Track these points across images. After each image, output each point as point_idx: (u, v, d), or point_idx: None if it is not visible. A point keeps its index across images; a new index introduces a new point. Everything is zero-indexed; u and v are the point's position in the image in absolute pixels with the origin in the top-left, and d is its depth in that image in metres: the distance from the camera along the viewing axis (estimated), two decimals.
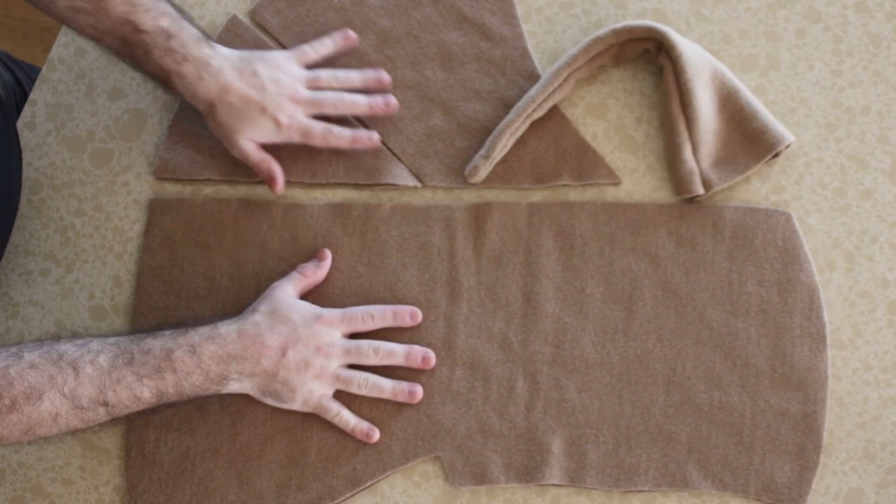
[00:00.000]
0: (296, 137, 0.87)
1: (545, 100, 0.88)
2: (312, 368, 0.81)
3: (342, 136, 0.88)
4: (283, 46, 0.94)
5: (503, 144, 0.88)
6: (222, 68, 0.84)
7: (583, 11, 0.93)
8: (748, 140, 0.86)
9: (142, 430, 0.85)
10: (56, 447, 0.87)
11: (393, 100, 0.89)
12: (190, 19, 0.85)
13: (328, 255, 0.87)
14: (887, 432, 0.81)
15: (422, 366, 0.84)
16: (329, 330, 0.82)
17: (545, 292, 0.86)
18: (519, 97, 0.90)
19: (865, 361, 0.83)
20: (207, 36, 0.86)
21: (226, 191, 0.92)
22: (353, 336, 0.84)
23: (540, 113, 0.88)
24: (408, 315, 0.85)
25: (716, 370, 0.83)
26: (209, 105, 0.85)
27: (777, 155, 0.86)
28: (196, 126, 0.92)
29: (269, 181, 0.88)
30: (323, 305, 0.85)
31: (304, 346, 0.81)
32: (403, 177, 0.91)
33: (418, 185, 0.90)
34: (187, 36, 0.84)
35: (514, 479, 0.82)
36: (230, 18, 0.95)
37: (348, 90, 0.89)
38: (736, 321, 0.84)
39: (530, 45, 0.93)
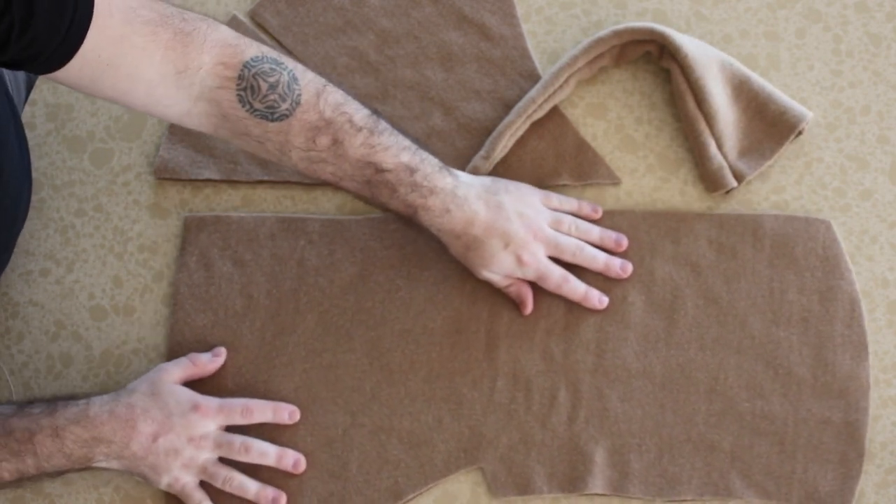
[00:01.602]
0: (531, 276, 0.83)
1: (546, 100, 0.88)
2: (181, 458, 0.80)
3: (576, 290, 0.84)
4: (283, 46, 0.94)
5: (503, 145, 0.88)
6: (467, 197, 0.81)
7: (583, 11, 0.93)
8: (769, 124, 0.86)
9: None
10: None
11: (629, 266, 0.85)
12: (425, 147, 0.81)
13: (223, 352, 0.86)
14: (887, 432, 0.81)
15: (292, 470, 0.83)
16: (204, 421, 0.81)
17: None
18: (519, 97, 0.90)
19: None
20: (443, 163, 0.81)
21: (226, 191, 0.92)
22: (234, 429, 0.83)
23: (540, 114, 0.88)
24: (286, 413, 0.84)
25: (758, 379, 0.82)
26: (454, 237, 0.81)
27: (800, 133, 0.87)
28: None
29: (520, 306, 0.85)
30: (364, 318, 0.85)
31: (176, 435, 0.80)
32: None
33: None
34: (430, 167, 0.79)
35: (556, 489, 0.81)
36: (230, 19, 0.95)
37: (585, 241, 0.85)
38: (777, 330, 0.83)
39: (530, 45, 0.93)
